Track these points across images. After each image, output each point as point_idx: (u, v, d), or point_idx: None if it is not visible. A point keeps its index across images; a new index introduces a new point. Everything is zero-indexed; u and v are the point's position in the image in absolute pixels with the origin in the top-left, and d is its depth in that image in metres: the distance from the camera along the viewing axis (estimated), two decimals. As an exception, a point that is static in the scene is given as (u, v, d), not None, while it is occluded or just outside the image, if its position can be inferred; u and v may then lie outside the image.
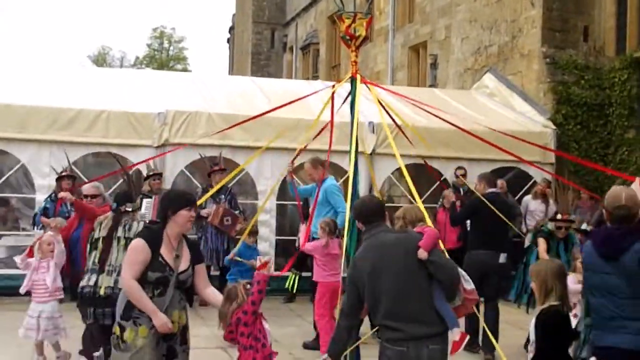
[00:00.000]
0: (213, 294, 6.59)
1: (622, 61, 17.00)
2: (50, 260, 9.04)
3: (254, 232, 12.25)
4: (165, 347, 6.24)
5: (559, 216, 10.96)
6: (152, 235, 6.26)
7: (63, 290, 9.30)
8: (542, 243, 10.37)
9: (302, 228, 12.49)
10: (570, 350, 6.34)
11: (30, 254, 9.07)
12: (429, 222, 7.43)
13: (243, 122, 11.77)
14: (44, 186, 13.29)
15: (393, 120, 9.66)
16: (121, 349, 6.14)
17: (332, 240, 10.25)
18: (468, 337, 6.57)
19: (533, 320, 6.01)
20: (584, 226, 6.66)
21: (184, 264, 6.32)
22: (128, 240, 8.01)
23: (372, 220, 6.29)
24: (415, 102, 10.04)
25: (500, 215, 9.98)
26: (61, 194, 8.85)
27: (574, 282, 8.36)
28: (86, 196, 9.03)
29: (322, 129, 10.00)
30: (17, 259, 9.11)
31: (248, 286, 6.38)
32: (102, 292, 7.96)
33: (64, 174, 12.73)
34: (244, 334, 6.25)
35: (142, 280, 6.09)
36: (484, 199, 10.00)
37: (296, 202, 12.58)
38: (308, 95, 10.18)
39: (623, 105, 16.84)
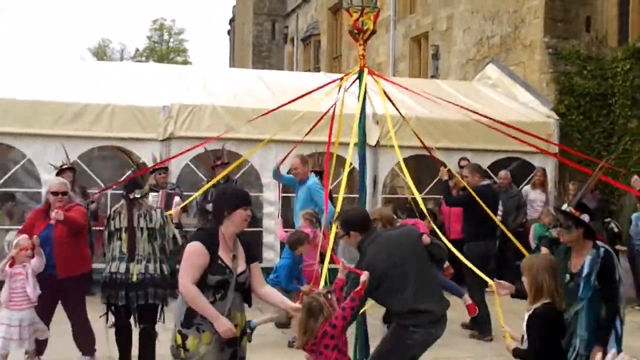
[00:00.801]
0: (272, 293, 6.45)
1: (625, 51, 16.99)
2: (27, 266, 8.48)
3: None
4: (229, 353, 6.05)
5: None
6: (209, 237, 6.03)
7: None
8: (543, 252, 10.17)
9: (279, 220, 12.98)
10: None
11: (13, 263, 8.53)
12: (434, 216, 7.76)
13: (252, 118, 11.80)
14: (49, 180, 13.32)
15: (398, 111, 9.68)
16: (183, 357, 5.93)
17: (314, 231, 10.92)
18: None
19: (525, 317, 5.98)
20: (564, 207, 6.74)
21: (242, 264, 6.11)
22: (151, 231, 8.48)
23: (369, 226, 6.83)
24: (424, 95, 10.07)
25: (488, 210, 9.91)
26: (52, 215, 8.68)
27: None
28: (55, 193, 8.97)
29: (318, 121, 9.99)
30: None
31: (329, 295, 6.23)
32: (134, 278, 8.27)
33: (65, 166, 12.77)
34: (329, 347, 6.02)
35: (202, 284, 5.89)
36: (474, 194, 10.01)
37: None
38: (317, 89, 10.13)
39: (626, 95, 16.84)
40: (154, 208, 8.76)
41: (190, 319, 5.93)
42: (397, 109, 9.57)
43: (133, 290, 8.28)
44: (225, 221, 6.05)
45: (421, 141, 9.84)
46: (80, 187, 13.30)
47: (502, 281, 6.66)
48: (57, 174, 12.64)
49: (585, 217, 6.55)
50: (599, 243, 6.57)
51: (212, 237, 6.03)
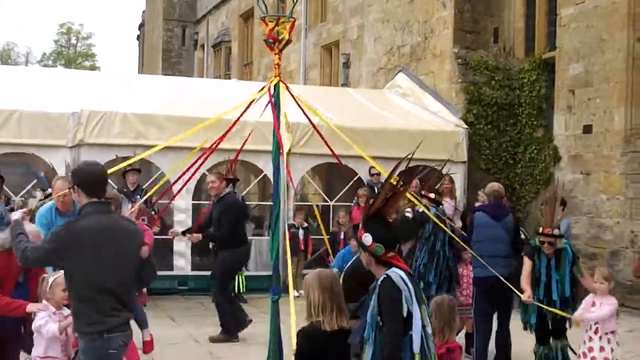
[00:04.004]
0: None
1: (531, 62, 17.39)
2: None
3: None
4: None
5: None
6: None
7: None
8: (526, 262, 8.78)
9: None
10: None
11: None
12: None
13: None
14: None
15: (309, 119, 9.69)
16: None
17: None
18: None
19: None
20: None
21: None
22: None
23: None
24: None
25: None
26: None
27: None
28: None
29: (230, 128, 9.84)
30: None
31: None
32: None
33: None
34: None
35: None
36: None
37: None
38: (258, 99, 9.99)
39: (532, 105, 17.23)
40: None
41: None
42: (308, 117, 9.57)
43: None
44: None
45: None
46: (5, 197, 13.04)
47: None
48: None
49: (368, 238, 5.10)
50: (393, 270, 5.04)
51: None
